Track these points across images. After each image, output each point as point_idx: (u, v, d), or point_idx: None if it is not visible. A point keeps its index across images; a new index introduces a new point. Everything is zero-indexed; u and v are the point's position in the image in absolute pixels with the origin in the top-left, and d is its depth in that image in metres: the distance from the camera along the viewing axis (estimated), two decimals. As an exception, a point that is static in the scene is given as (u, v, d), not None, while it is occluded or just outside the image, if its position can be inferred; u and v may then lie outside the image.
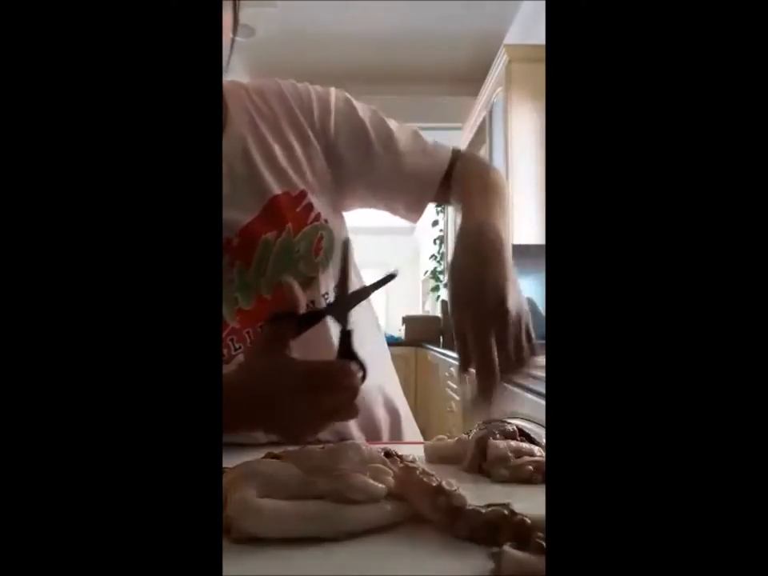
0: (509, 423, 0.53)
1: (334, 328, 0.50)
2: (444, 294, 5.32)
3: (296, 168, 0.70)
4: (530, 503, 0.37)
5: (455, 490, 0.38)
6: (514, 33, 3.43)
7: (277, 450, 0.45)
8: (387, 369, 0.80)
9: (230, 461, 0.43)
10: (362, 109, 0.75)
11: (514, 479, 0.48)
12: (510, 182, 2.67)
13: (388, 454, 0.43)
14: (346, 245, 0.52)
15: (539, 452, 0.51)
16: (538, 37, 2.87)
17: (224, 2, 0.58)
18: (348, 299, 0.48)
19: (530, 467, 0.48)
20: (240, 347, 0.65)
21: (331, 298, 0.70)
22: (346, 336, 0.47)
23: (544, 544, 0.32)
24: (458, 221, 0.62)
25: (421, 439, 0.78)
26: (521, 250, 2.35)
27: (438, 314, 5.05)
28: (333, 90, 0.75)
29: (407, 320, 4.99)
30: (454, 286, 0.53)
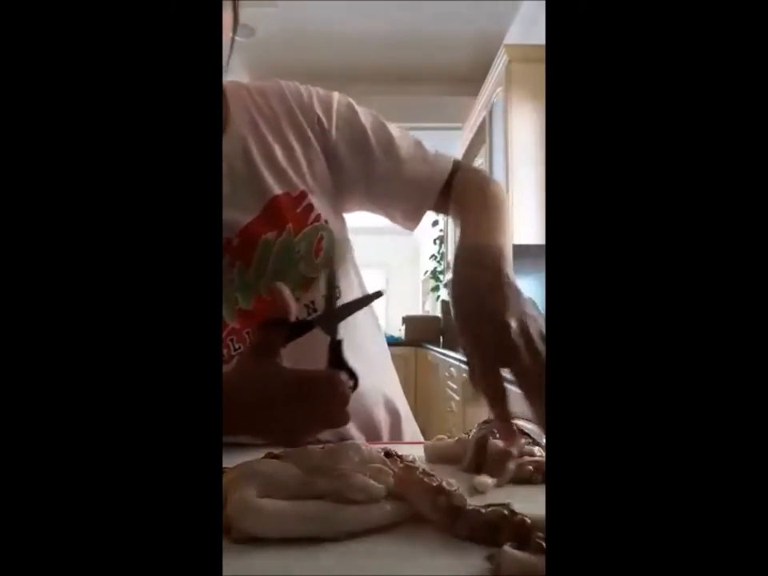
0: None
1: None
2: (444, 293, 5.32)
3: (296, 169, 0.70)
4: (530, 503, 0.37)
5: (455, 490, 0.38)
6: (514, 33, 3.43)
7: (277, 450, 0.45)
8: (387, 369, 0.80)
9: (229, 461, 0.43)
10: (365, 114, 0.75)
11: (514, 479, 0.48)
12: (510, 182, 2.68)
13: (388, 454, 0.43)
14: (332, 274, 0.54)
15: (539, 452, 0.51)
16: (538, 37, 2.87)
17: (224, 2, 0.58)
18: (336, 312, 0.48)
19: (530, 467, 0.48)
20: (240, 347, 0.65)
21: None
22: (336, 346, 0.47)
23: (544, 544, 0.32)
24: (458, 235, 0.61)
25: (421, 439, 0.78)
26: (521, 250, 2.35)
27: (438, 313, 5.05)
28: (336, 94, 0.75)
29: (407, 320, 4.99)
30: (456, 310, 0.51)
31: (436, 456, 0.55)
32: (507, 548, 0.32)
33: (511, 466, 0.48)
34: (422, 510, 0.39)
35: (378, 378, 0.75)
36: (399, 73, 4.11)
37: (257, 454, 0.44)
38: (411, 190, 0.75)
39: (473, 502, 0.38)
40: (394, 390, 0.78)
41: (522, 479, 0.48)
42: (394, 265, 7.74)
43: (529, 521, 0.35)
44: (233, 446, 0.53)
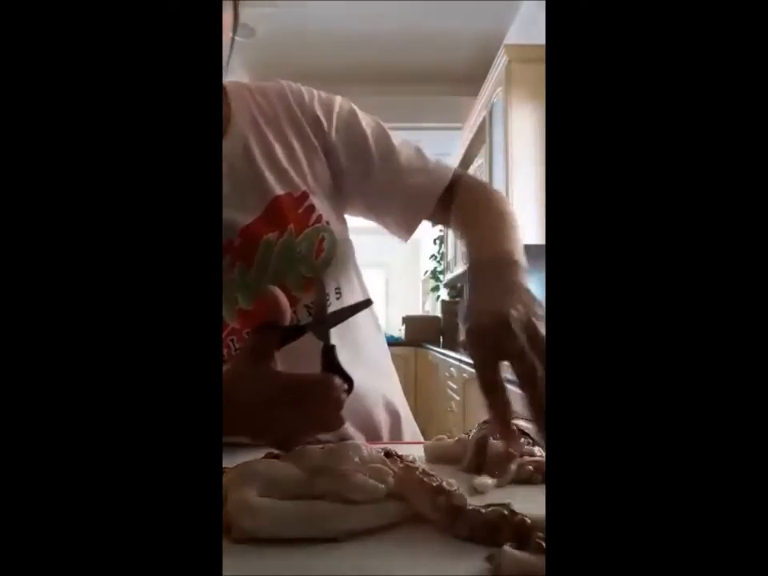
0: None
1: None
2: (444, 293, 5.32)
3: (297, 169, 0.70)
4: (530, 503, 0.37)
5: (455, 490, 0.38)
6: (513, 33, 3.43)
7: (277, 450, 0.45)
8: (387, 370, 0.80)
9: (230, 461, 0.43)
10: (366, 120, 0.74)
11: (514, 479, 0.48)
12: (510, 182, 2.68)
13: (388, 454, 0.43)
14: (321, 282, 0.55)
15: (539, 452, 0.51)
16: (538, 37, 2.87)
17: (224, 2, 0.58)
18: (327, 318, 0.49)
19: (530, 467, 0.48)
20: (240, 348, 0.65)
21: (332, 299, 0.70)
22: (329, 351, 0.47)
23: (544, 544, 0.32)
24: (468, 250, 0.59)
25: (421, 440, 0.78)
26: (521, 250, 2.34)
27: (438, 313, 5.05)
28: (338, 98, 0.75)
29: (407, 320, 5.00)
30: (476, 323, 0.47)
31: (436, 456, 0.55)
32: (507, 548, 0.32)
33: (512, 466, 0.48)
34: (422, 510, 0.39)
35: (377, 379, 0.75)
36: (399, 73, 4.11)
37: (257, 454, 0.44)
38: (407, 199, 0.74)
39: (473, 502, 0.38)
40: (393, 391, 0.78)
41: (522, 479, 0.48)
42: (394, 265, 7.74)
43: (529, 521, 0.35)
44: (233, 446, 0.53)
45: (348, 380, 0.47)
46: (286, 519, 0.37)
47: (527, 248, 0.58)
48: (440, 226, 4.96)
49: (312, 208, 0.69)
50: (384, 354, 0.80)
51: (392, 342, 4.46)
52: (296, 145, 0.70)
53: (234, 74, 3.15)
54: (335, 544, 0.37)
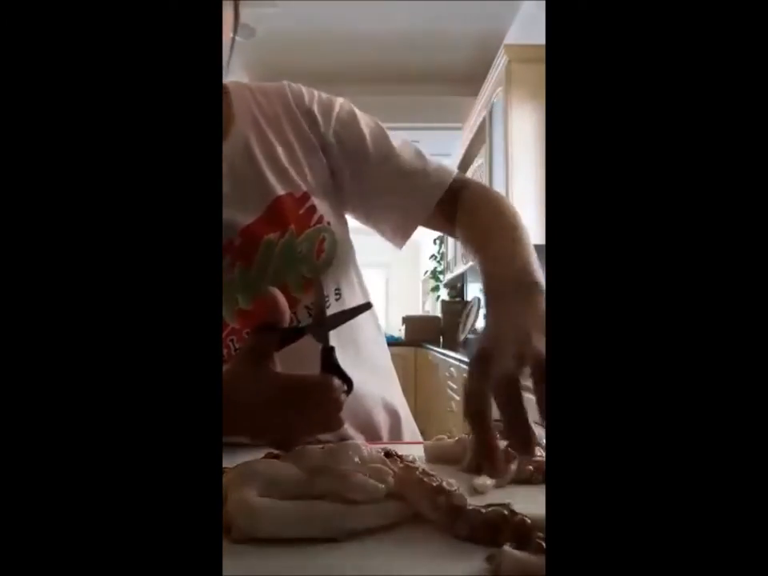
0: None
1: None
2: (444, 293, 5.32)
3: (298, 170, 0.69)
4: (530, 503, 0.37)
5: (455, 490, 0.38)
6: (513, 33, 3.43)
7: (277, 450, 0.46)
8: (388, 372, 0.80)
9: (230, 461, 0.43)
10: (365, 121, 0.73)
11: (514, 479, 0.48)
12: (510, 182, 2.68)
13: (388, 454, 0.43)
14: (320, 284, 0.53)
15: (539, 452, 0.51)
16: (538, 37, 2.87)
17: (224, 2, 0.58)
18: (326, 321, 0.49)
19: (530, 467, 0.48)
20: (240, 348, 0.65)
21: (332, 300, 0.70)
22: (328, 353, 0.47)
23: (544, 544, 0.32)
24: (482, 271, 0.55)
25: (421, 440, 0.78)
26: (521, 250, 2.34)
27: (438, 313, 5.05)
28: (339, 99, 0.74)
29: (407, 320, 4.99)
30: (496, 343, 0.43)
31: (436, 456, 0.55)
32: (507, 548, 0.32)
33: (512, 466, 0.48)
34: (422, 510, 0.39)
35: (377, 380, 0.75)
36: (399, 73, 4.11)
37: (257, 454, 0.44)
38: (403, 202, 0.72)
39: (473, 502, 0.38)
40: (393, 393, 0.78)
41: (522, 479, 0.48)
42: (393, 265, 7.74)
43: (529, 521, 0.35)
44: (233, 446, 0.53)
45: (347, 381, 0.47)
46: (286, 519, 0.37)
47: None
48: (440, 226, 4.96)
49: (313, 208, 0.69)
50: (384, 355, 0.80)
51: (392, 342, 4.46)
52: (296, 145, 0.70)
53: (234, 74, 3.15)
54: (335, 544, 0.37)
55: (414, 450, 0.55)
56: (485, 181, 3.07)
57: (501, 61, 2.80)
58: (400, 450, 0.46)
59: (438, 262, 5.52)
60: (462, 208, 0.68)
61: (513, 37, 3.42)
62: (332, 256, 0.69)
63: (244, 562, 0.34)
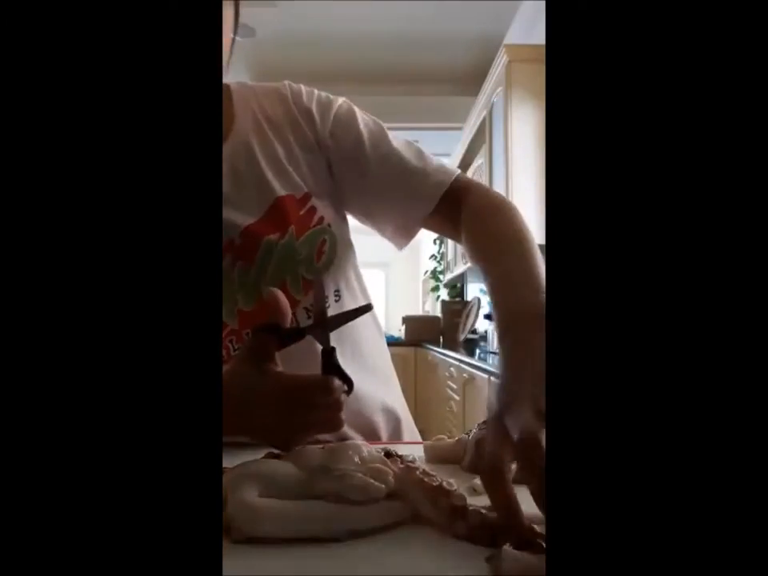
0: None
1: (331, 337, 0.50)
2: (444, 293, 5.32)
3: (298, 170, 0.69)
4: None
5: (455, 490, 0.38)
6: (514, 33, 3.43)
7: (277, 450, 0.46)
8: (388, 374, 0.80)
9: (230, 461, 0.43)
10: (364, 121, 0.72)
11: (514, 480, 0.48)
12: (510, 182, 2.68)
13: (388, 454, 0.43)
14: (320, 285, 0.52)
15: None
16: (538, 37, 2.87)
17: (224, 2, 0.58)
18: (327, 322, 0.49)
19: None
20: (239, 348, 0.65)
21: (331, 302, 0.70)
22: (328, 354, 0.48)
23: (544, 544, 0.32)
24: (491, 292, 0.51)
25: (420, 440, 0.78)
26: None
27: (438, 313, 5.05)
28: (338, 99, 0.74)
29: (407, 320, 4.99)
30: (515, 398, 0.38)
31: (436, 456, 0.55)
32: (508, 548, 0.32)
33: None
34: (421, 510, 0.39)
35: (377, 382, 0.75)
36: (399, 73, 4.12)
37: (257, 454, 0.44)
38: (405, 203, 0.70)
39: (473, 502, 0.38)
40: (393, 395, 0.78)
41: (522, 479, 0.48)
42: (394, 265, 7.74)
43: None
44: (233, 446, 0.53)
45: (348, 381, 0.47)
46: (286, 519, 0.37)
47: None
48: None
49: (314, 209, 0.68)
50: (384, 356, 0.80)
51: (392, 342, 4.45)
52: (295, 144, 0.70)
53: (234, 74, 3.16)
54: (335, 544, 0.37)
55: (414, 449, 0.55)
56: (485, 181, 3.07)
57: (501, 61, 2.80)
58: (400, 449, 0.46)
59: (438, 261, 5.52)
60: (466, 218, 0.66)
61: (513, 37, 3.42)
62: (332, 258, 0.68)
63: (244, 562, 0.34)
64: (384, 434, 0.74)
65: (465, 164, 3.91)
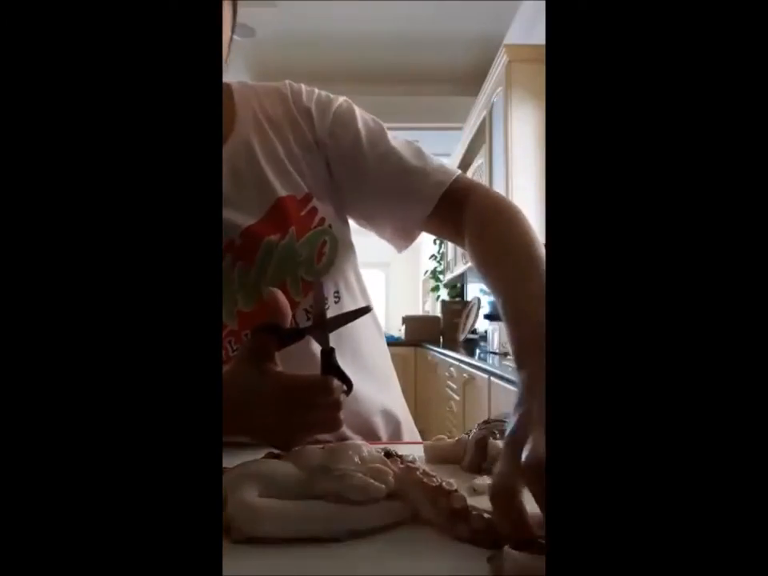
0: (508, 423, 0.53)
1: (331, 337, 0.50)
2: (444, 293, 5.32)
3: (299, 171, 0.69)
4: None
5: (455, 491, 0.38)
6: (514, 33, 3.43)
7: (277, 450, 0.46)
8: (387, 374, 0.79)
9: (229, 461, 0.43)
10: (364, 120, 0.71)
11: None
12: (510, 182, 2.68)
13: (388, 454, 0.43)
14: (321, 287, 0.51)
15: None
16: (538, 37, 2.87)
17: (224, 2, 0.58)
18: (326, 323, 0.49)
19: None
20: (238, 349, 0.65)
21: (331, 303, 0.69)
22: (327, 354, 0.48)
23: (544, 544, 0.32)
24: (504, 312, 0.48)
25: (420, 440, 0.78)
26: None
27: (438, 313, 5.05)
28: (338, 98, 0.73)
29: (407, 320, 4.99)
30: (531, 429, 0.36)
31: (436, 456, 0.55)
32: (508, 549, 0.32)
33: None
34: (422, 511, 0.39)
35: (377, 384, 0.74)
36: (399, 73, 4.12)
37: (257, 454, 0.44)
38: (404, 203, 0.69)
39: (473, 503, 0.38)
40: (393, 396, 0.78)
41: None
42: (394, 265, 7.74)
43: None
44: (233, 446, 0.53)
45: (347, 382, 0.47)
46: (286, 519, 0.37)
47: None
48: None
49: (315, 210, 0.68)
50: (384, 357, 0.80)
51: (392, 342, 4.45)
52: (295, 144, 0.70)
53: (234, 74, 3.15)
54: (335, 544, 0.37)
55: (414, 450, 0.55)
56: (485, 181, 3.07)
57: (501, 61, 2.80)
58: (400, 449, 0.46)
59: (438, 262, 5.52)
60: (469, 221, 0.64)
61: (513, 37, 3.42)
62: (332, 259, 0.68)
63: (244, 562, 0.34)
64: (383, 434, 0.73)
65: (465, 164, 3.91)
